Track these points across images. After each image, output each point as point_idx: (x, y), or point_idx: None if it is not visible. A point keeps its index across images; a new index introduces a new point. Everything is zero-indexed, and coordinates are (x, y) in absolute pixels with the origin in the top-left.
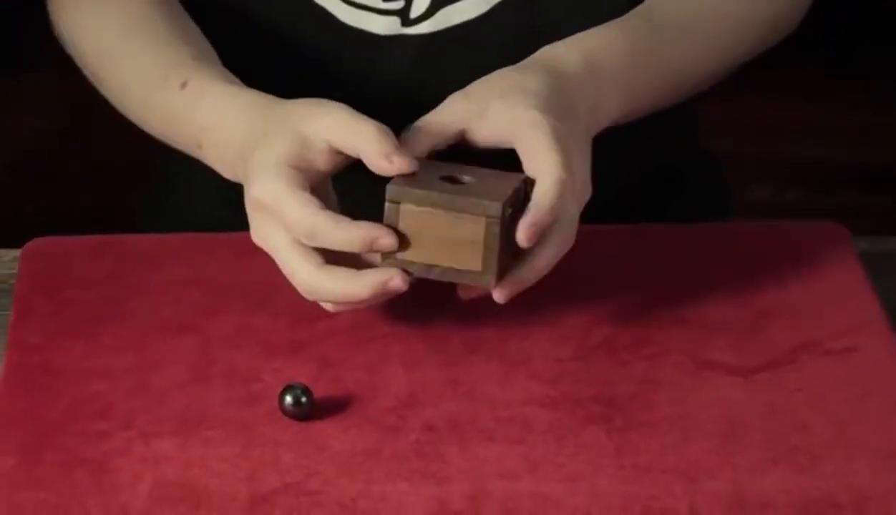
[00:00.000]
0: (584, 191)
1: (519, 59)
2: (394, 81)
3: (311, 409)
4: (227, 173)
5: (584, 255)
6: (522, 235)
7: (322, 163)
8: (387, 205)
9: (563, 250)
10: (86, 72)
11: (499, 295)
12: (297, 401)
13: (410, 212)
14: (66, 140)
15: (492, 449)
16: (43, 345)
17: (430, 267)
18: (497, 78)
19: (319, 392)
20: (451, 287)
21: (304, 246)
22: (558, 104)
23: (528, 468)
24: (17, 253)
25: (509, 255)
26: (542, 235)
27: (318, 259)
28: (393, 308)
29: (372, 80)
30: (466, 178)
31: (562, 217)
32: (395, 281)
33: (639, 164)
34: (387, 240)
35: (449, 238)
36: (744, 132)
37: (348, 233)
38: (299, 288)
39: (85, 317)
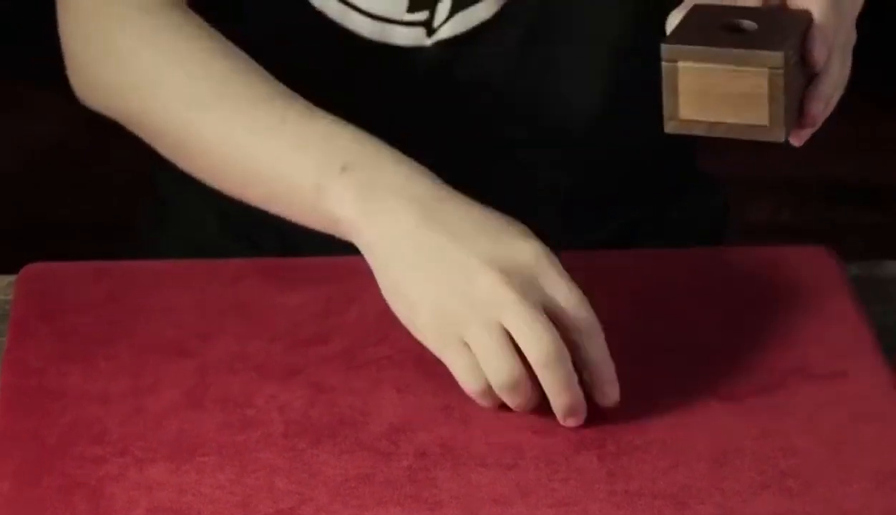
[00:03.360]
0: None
1: (536, 52)
2: (417, 90)
3: None
4: (384, 202)
5: (578, 279)
6: (816, 56)
7: None
8: (663, 64)
9: (847, 53)
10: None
11: (797, 139)
12: None
13: (689, 70)
14: (71, 154)
15: (484, 475)
16: (40, 369)
17: (714, 124)
18: None
19: (313, 417)
20: None
21: None
22: None
23: (520, 493)
24: (12, 278)
25: (800, 90)
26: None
27: None
28: (387, 333)
29: (396, 91)
30: (747, 24)
31: (843, 21)
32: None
33: (637, 183)
34: (614, 391)
35: (732, 93)
36: (737, 151)
37: (608, 357)
38: (532, 352)
39: (82, 342)
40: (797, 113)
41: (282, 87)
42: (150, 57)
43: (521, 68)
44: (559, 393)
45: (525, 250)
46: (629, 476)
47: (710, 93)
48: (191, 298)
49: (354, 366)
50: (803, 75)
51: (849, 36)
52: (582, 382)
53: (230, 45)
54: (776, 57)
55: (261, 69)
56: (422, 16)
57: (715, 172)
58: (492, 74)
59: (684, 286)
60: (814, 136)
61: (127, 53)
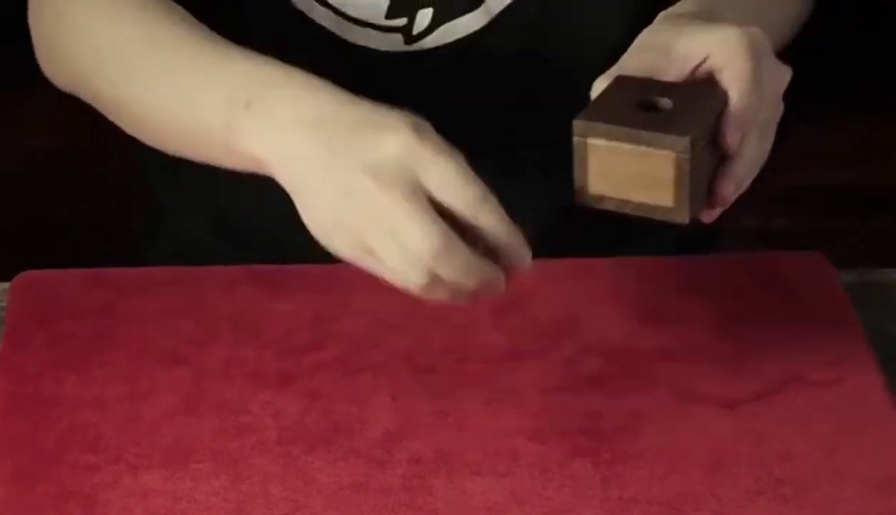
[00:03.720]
0: (781, 70)
1: (523, 68)
2: (398, 98)
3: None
4: (279, 140)
5: (571, 288)
6: (728, 140)
7: None
8: (574, 139)
9: (768, 131)
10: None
11: (707, 217)
12: None
13: (598, 148)
14: (67, 159)
15: (479, 482)
16: (35, 376)
17: (623, 201)
18: (659, 27)
19: (308, 424)
20: (437, 319)
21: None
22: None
23: (514, 501)
24: (6, 285)
25: (711, 171)
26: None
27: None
28: (380, 340)
29: (376, 97)
30: (664, 102)
31: (764, 101)
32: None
33: None
34: (526, 255)
35: (639, 173)
36: None
37: (511, 225)
38: (420, 250)
39: (76, 348)
40: (707, 193)
41: (205, 32)
42: (93, 27)
43: (512, 79)
44: (461, 279)
45: (392, 143)
46: (624, 483)
47: (619, 171)
48: (185, 305)
49: (348, 373)
50: (715, 156)
51: (771, 113)
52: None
53: (174, 7)
54: (682, 142)
55: (192, 21)
56: (400, 22)
57: None
58: (480, 85)
59: (679, 292)
60: (808, 145)
61: (74, 26)
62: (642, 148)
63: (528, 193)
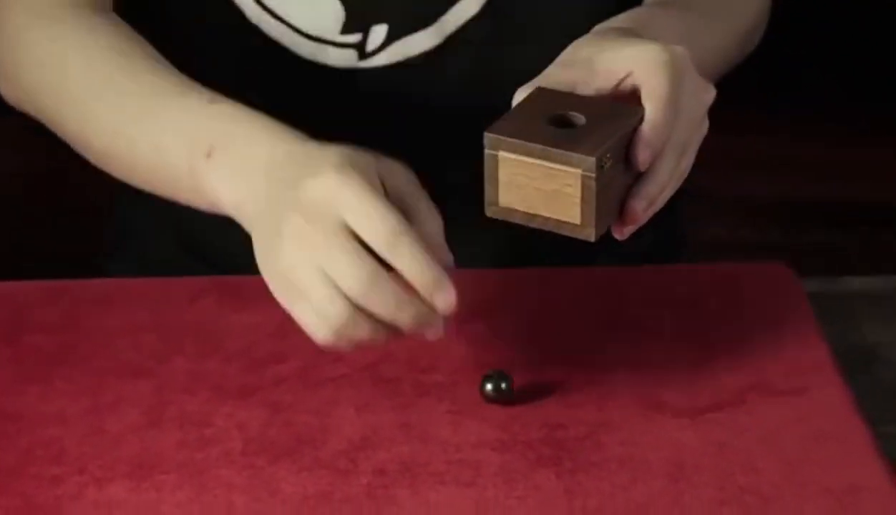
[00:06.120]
0: (704, 90)
1: (478, 87)
2: (352, 114)
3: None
4: (239, 186)
5: (535, 297)
6: (639, 157)
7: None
8: (486, 152)
9: (687, 150)
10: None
11: (619, 233)
12: (497, 388)
13: (507, 161)
14: (29, 183)
15: (443, 493)
16: None
17: (531, 216)
18: (586, 42)
19: (272, 435)
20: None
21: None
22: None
23: (478, 511)
24: None
25: (622, 188)
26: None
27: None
28: (343, 352)
29: (330, 113)
30: (578, 118)
31: (681, 120)
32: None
33: None
34: (443, 297)
35: (547, 189)
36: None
37: (428, 263)
38: (348, 285)
39: (40, 362)
40: (617, 210)
41: (163, 67)
42: (54, 57)
43: (465, 97)
44: (392, 316)
45: (316, 184)
46: (587, 493)
47: (527, 186)
48: (148, 318)
49: (312, 385)
50: (627, 173)
51: (691, 132)
52: None
53: (134, 38)
54: (587, 161)
55: (154, 56)
56: (354, 38)
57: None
58: (434, 103)
59: (644, 302)
60: (774, 158)
61: (34, 55)
62: (549, 164)
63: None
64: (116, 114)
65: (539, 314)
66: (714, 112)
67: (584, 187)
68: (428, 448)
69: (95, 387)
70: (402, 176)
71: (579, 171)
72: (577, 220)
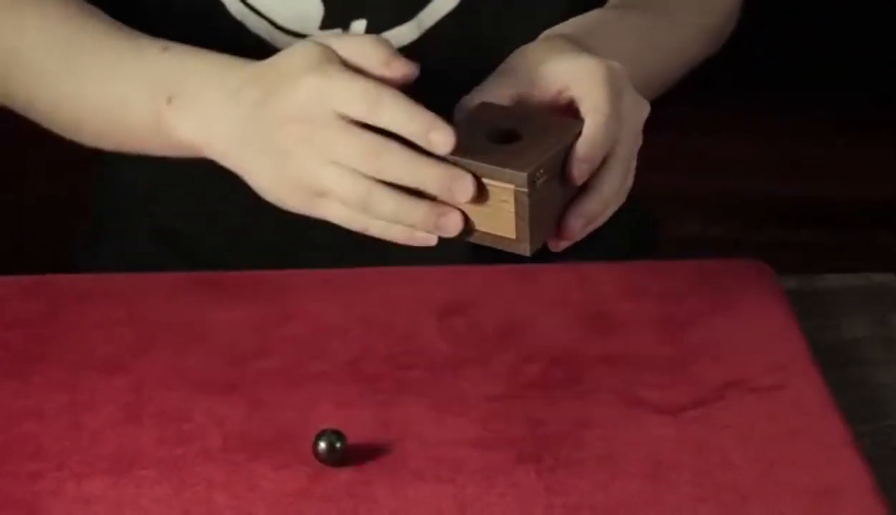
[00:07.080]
0: (640, 106)
1: (455, 81)
2: None
3: (345, 455)
4: (206, 123)
5: (515, 294)
6: (574, 173)
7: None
8: None
9: (628, 169)
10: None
11: (554, 247)
12: (331, 447)
13: None
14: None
15: (422, 489)
16: None
17: (469, 230)
18: (529, 50)
19: (252, 431)
20: (381, 326)
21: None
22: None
23: (458, 508)
24: None
25: (560, 204)
26: (597, 167)
27: None
28: (325, 347)
29: None
30: (518, 133)
31: (625, 135)
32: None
33: None
34: (440, 135)
35: (484, 204)
36: (669, 167)
37: (414, 110)
38: (358, 157)
39: (17, 357)
40: (555, 224)
41: (120, 28)
42: (10, 25)
43: (443, 91)
44: (412, 177)
45: (298, 92)
46: (566, 490)
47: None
48: (127, 313)
49: (292, 381)
50: (566, 188)
51: (631, 147)
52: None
53: (89, 7)
54: (520, 177)
55: (108, 19)
56: (334, 33)
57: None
58: (411, 95)
59: (622, 298)
60: (748, 155)
61: None
62: (485, 180)
63: None
64: (78, 75)
65: (517, 310)
66: (686, 111)
67: (517, 203)
68: (408, 445)
69: (74, 383)
70: (356, 50)
71: (512, 187)
72: (513, 235)
